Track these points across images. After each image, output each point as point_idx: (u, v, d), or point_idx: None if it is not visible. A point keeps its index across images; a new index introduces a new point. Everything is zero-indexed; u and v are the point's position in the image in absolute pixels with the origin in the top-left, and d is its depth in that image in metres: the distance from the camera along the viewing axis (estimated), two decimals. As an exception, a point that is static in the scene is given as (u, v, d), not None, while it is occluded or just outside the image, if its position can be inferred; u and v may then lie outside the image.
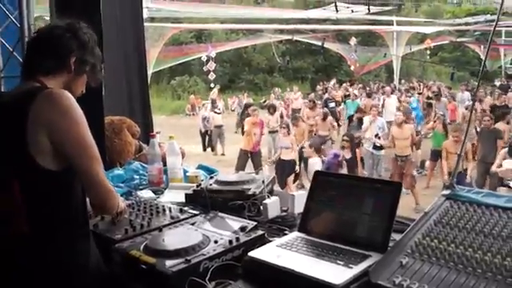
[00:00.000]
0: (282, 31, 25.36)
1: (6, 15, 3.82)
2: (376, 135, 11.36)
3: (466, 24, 26.90)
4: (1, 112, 1.77)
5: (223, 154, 15.72)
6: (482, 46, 30.45)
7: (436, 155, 10.70)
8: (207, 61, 20.53)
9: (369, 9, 18.82)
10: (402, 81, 26.51)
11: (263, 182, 2.53)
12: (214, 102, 18.62)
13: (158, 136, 3.10)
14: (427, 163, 11.68)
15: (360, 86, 23.88)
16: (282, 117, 15.32)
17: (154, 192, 2.72)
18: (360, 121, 12.75)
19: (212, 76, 19.66)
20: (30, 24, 3.70)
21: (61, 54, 1.86)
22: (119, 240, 1.91)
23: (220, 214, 2.13)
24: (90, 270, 1.83)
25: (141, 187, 2.85)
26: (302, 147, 10.98)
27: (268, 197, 2.28)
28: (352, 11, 19.58)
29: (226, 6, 26.69)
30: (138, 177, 2.98)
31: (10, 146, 1.72)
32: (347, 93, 21.18)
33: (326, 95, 20.47)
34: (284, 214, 2.23)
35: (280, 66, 32.13)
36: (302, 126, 12.22)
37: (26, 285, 1.75)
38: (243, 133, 12.32)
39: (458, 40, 30.26)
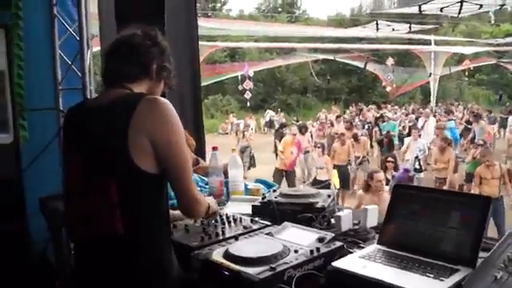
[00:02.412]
0: (315, 50, 25.33)
1: (65, 28, 3.93)
2: (416, 157, 11.23)
3: (507, 44, 26.36)
4: (101, 115, 1.81)
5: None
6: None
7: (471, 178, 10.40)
8: (242, 80, 20.67)
9: (410, 27, 18.67)
10: (439, 103, 26.22)
11: (329, 196, 2.52)
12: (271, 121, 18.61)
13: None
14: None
15: (396, 107, 23.63)
16: (312, 137, 15.27)
17: (217, 204, 2.72)
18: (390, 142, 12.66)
19: (248, 95, 19.74)
20: (89, 37, 3.79)
21: (144, 61, 1.91)
22: (196, 247, 1.91)
23: (292, 224, 2.11)
24: (171, 277, 1.83)
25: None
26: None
27: (341, 210, 2.25)
28: (393, 29, 19.41)
29: (261, 23, 26.83)
30: (199, 188, 2.98)
31: (111, 147, 1.75)
32: (377, 115, 20.94)
33: (359, 117, 20.39)
34: (356, 227, 2.20)
35: (318, 85, 32.12)
36: (347, 144, 12.08)
37: (117, 286, 1.78)
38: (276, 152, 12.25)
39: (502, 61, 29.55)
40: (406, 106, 26.96)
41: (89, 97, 3.71)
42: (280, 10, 41.14)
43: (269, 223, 2.21)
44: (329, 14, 45.74)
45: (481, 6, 12.98)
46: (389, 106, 24.86)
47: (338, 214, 2.19)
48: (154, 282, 1.78)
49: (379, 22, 18.17)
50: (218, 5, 39.65)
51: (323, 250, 1.81)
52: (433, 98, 24.26)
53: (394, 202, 1.93)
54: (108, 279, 1.79)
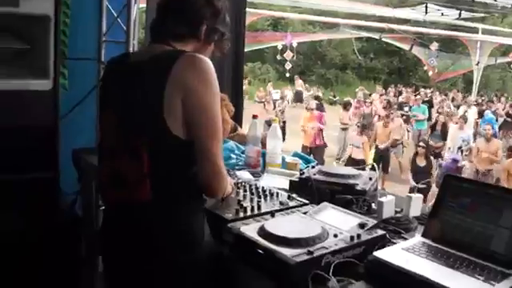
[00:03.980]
0: (360, 28, 24.77)
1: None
2: (459, 147, 10.94)
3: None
4: (138, 70, 1.72)
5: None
6: None
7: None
8: (282, 50, 20.40)
9: (460, 13, 18.10)
10: (480, 93, 25.50)
11: (370, 178, 2.41)
12: (299, 93, 18.32)
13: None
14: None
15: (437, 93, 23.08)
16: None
17: (252, 174, 2.64)
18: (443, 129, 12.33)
19: (288, 65, 19.50)
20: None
21: (193, 21, 1.80)
22: (231, 220, 1.83)
23: (331, 205, 2.01)
24: (203, 248, 1.76)
25: (237, 167, 2.78)
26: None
27: (383, 195, 2.13)
28: (442, 14, 18.84)
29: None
30: (234, 156, 2.91)
31: (145, 106, 1.67)
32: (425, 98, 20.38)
33: (400, 99, 20.00)
34: (398, 215, 2.08)
35: (359, 63, 31.57)
36: (390, 126, 11.84)
37: (143, 254, 1.71)
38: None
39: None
40: (447, 92, 26.29)
41: (131, 51, 3.64)
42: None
43: (306, 201, 2.11)
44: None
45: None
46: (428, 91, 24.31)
47: (381, 199, 2.07)
48: (183, 252, 1.71)
49: (429, 5, 17.57)
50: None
51: (364, 237, 1.70)
52: (475, 87, 23.58)
53: (443, 193, 1.81)
54: (133, 247, 1.73)
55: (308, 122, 11.69)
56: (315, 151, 11.48)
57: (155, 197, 1.67)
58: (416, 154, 9.81)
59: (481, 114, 15.60)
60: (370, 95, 21.26)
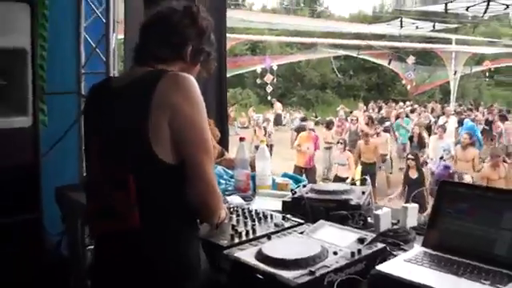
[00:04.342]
0: (336, 46, 25.06)
1: (91, 10, 3.81)
2: (441, 157, 11.03)
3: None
4: (121, 94, 1.67)
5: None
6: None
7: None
8: (262, 73, 20.51)
9: (434, 26, 18.43)
10: (458, 103, 25.83)
11: (363, 192, 2.36)
12: (279, 116, 18.31)
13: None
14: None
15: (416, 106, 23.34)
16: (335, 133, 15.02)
17: (243, 198, 2.58)
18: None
19: (269, 89, 19.57)
20: (116, 20, 3.67)
21: (178, 43, 1.75)
22: (227, 246, 1.76)
23: (328, 223, 1.96)
24: (198, 275, 1.69)
25: (227, 192, 2.72)
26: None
27: (379, 208, 2.10)
28: (417, 27, 19.17)
29: (283, 16, 26.62)
30: (223, 181, 2.86)
31: (130, 136, 1.61)
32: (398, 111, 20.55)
33: (381, 114, 20.17)
34: (395, 227, 2.04)
35: (338, 81, 31.90)
36: (373, 141, 11.89)
37: (138, 285, 1.64)
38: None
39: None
40: (425, 104, 26.59)
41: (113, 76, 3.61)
42: (302, 5, 40.82)
43: (302, 221, 2.06)
44: (351, 12, 45.17)
45: (507, 6, 12.67)
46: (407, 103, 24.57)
47: (377, 212, 2.03)
48: (179, 280, 1.64)
49: (404, 19, 17.89)
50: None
51: (365, 252, 1.66)
52: (453, 97, 23.92)
53: (440, 200, 1.78)
54: (126, 278, 1.65)
55: (305, 142, 11.66)
56: (309, 172, 11.44)
57: (145, 226, 1.60)
58: (408, 167, 9.83)
59: (461, 123, 15.77)
60: (350, 113, 21.40)
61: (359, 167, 11.03)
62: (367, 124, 14.63)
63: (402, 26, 18.14)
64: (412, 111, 19.76)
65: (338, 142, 11.63)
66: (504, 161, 9.04)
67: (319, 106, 32.21)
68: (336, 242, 1.75)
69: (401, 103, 25.07)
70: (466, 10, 13.64)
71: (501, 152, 9.55)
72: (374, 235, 1.83)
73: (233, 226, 1.94)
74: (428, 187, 7.48)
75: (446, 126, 14.75)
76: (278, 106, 25.52)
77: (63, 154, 3.65)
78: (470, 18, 23.36)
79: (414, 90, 26.78)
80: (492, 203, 1.66)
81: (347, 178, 10.46)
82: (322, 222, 1.96)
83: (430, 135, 14.65)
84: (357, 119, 16.86)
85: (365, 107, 22.04)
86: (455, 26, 23.47)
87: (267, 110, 25.71)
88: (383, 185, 12.17)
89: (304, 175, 11.09)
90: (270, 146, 13.50)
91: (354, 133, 15.12)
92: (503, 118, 15.14)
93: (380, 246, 1.73)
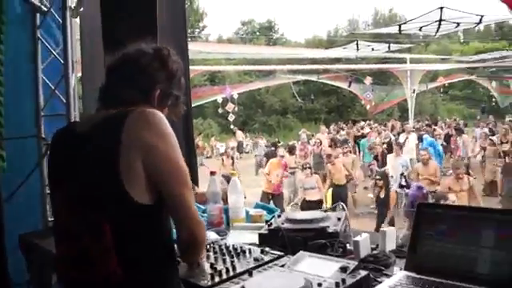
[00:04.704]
0: (294, 72, 25.39)
1: (48, 52, 3.74)
2: (402, 174, 11.21)
3: (483, 61, 27.05)
4: (88, 138, 1.61)
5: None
6: (494, 82, 30.63)
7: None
8: (223, 103, 20.53)
9: (389, 46, 18.93)
10: (416, 119, 26.40)
11: (338, 219, 2.35)
12: (240, 144, 18.29)
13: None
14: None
15: (376, 125, 23.75)
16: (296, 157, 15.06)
17: (218, 233, 2.52)
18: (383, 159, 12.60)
19: (231, 117, 19.59)
20: (74, 60, 3.60)
21: (146, 86, 1.70)
22: (208, 287, 1.71)
23: (308, 253, 1.93)
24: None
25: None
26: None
27: (358, 234, 2.08)
28: (372, 49, 19.64)
29: (240, 45, 26.88)
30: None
31: (102, 180, 1.54)
32: (359, 133, 20.90)
33: (342, 134, 20.45)
34: (375, 252, 2.02)
35: (298, 106, 32.27)
36: (339, 163, 11.95)
37: None
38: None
39: (473, 77, 30.27)
40: (385, 122, 27.10)
41: (76, 121, 3.51)
42: (258, 33, 41.36)
43: (281, 253, 2.02)
44: (306, 37, 46.02)
45: (458, 24, 13.16)
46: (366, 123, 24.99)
47: (356, 238, 2.01)
48: None
49: (359, 42, 18.36)
50: (197, 30, 39.67)
51: (349, 281, 1.63)
52: (411, 114, 24.40)
53: (418, 223, 1.78)
54: None
55: (276, 169, 11.66)
56: (277, 198, 11.41)
57: (124, 271, 1.53)
58: (375, 185, 9.94)
59: (420, 139, 16.08)
60: (312, 136, 21.60)
61: (330, 190, 11.08)
62: (330, 146, 14.78)
63: (358, 49, 18.54)
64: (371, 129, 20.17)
65: (303, 167, 11.64)
66: (467, 173, 9.26)
67: (281, 131, 32.46)
68: (319, 272, 1.71)
69: (362, 122, 25.49)
70: (420, 30, 14.08)
71: (461, 164, 9.79)
72: (356, 262, 1.80)
73: (211, 265, 1.89)
74: (402, 209, 7.63)
75: (405, 142, 15.05)
76: (239, 133, 25.60)
77: (26, 198, 3.52)
78: (422, 37, 24.11)
79: (373, 109, 27.27)
80: (470, 222, 1.67)
81: (317, 200, 10.51)
82: (302, 253, 1.93)
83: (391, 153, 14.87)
84: (320, 142, 17.05)
85: (327, 129, 22.25)
86: (409, 45, 24.14)
87: (229, 138, 25.74)
88: (350, 203, 12.27)
89: (272, 201, 11.11)
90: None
91: (317, 155, 15.24)
92: (459, 132, 15.53)
93: (363, 273, 1.70)
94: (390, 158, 12.41)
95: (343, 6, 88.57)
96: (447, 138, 17.43)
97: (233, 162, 14.17)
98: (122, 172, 1.50)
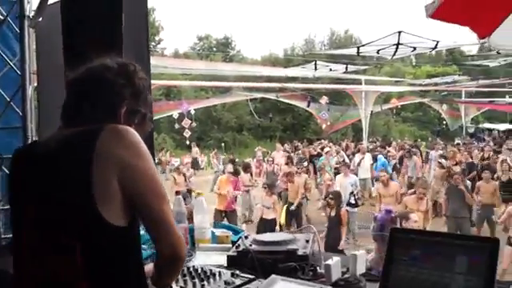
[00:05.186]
0: (251, 89, 25.52)
1: (4, 61, 3.60)
2: (351, 193, 11.39)
3: (435, 84, 28.01)
4: (55, 158, 1.53)
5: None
6: (445, 106, 31.73)
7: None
8: (179, 118, 20.37)
9: (346, 67, 19.33)
10: (369, 139, 26.93)
11: (307, 241, 2.33)
12: (196, 160, 18.08)
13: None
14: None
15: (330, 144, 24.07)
16: (251, 174, 15.04)
17: (183, 254, 2.46)
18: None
19: (187, 133, 19.43)
20: (32, 72, 3.48)
21: (111, 104, 1.62)
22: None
23: (280, 277, 1.89)
24: None
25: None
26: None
27: (329, 258, 2.06)
28: (330, 69, 19.99)
29: (196, 61, 26.79)
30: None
31: (73, 202, 1.46)
32: (315, 152, 21.08)
33: (297, 153, 20.61)
34: (346, 276, 2.01)
35: (253, 123, 32.42)
36: (296, 181, 12.01)
37: None
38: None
39: (426, 100, 31.29)
40: (340, 142, 27.49)
41: (30, 137, 3.38)
42: (215, 49, 41.45)
43: (252, 277, 1.98)
44: (262, 54, 46.37)
45: (414, 48, 13.60)
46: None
47: (328, 262, 1.99)
48: None
49: (318, 62, 18.69)
50: (153, 43, 39.37)
51: (325, 307, 1.60)
52: (365, 135, 24.84)
53: (392, 248, 1.77)
54: None
55: (225, 186, 11.61)
56: (230, 215, 11.35)
57: None
58: (328, 205, 10.01)
59: (375, 159, 16.39)
60: (268, 153, 21.69)
61: (285, 208, 11.13)
62: (287, 164, 14.86)
63: (316, 69, 18.84)
64: (322, 149, 20.43)
65: (263, 186, 11.67)
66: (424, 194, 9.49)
67: (236, 149, 32.45)
68: (293, 298, 1.69)
69: (322, 141, 25.79)
70: (377, 52, 14.44)
71: (426, 185, 10.06)
72: (328, 287, 1.78)
73: (181, 288, 1.83)
74: (372, 232, 7.67)
75: (361, 162, 15.33)
76: (194, 150, 25.44)
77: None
78: (375, 59, 24.75)
79: (328, 128, 27.64)
80: (444, 248, 1.67)
81: (273, 219, 10.55)
82: (274, 277, 1.90)
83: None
84: (273, 160, 17.13)
85: (282, 147, 22.36)
86: (366, 67, 24.70)
87: (184, 154, 25.52)
88: (304, 222, 12.36)
89: (225, 219, 11.05)
90: (189, 191, 13.23)
91: (271, 173, 15.30)
92: (410, 154, 15.94)
93: (338, 299, 1.69)
94: (338, 178, 12.62)
95: (299, 25, 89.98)
96: (401, 159, 17.81)
97: (185, 179, 13.93)
98: (96, 192, 1.43)
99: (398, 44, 12.48)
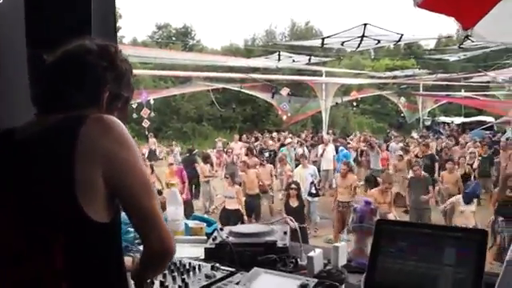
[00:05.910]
0: (211, 79, 25.30)
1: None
2: (312, 183, 11.49)
3: (395, 77, 28.45)
4: (36, 148, 1.41)
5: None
6: (403, 99, 32.32)
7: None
8: (138, 108, 19.98)
9: (309, 59, 19.37)
10: (329, 131, 27.19)
11: (285, 232, 2.29)
12: (153, 151, 17.82)
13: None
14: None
15: (290, 135, 24.17)
16: (212, 165, 14.97)
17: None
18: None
19: (146, 123, 19.07)
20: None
21: (93, 88, 1.52)
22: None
23: (262, 270, 1.85)
24: None
25: (137, 241, 2.50)
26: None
27: (312, 250, 2.02)
28: (293, 61, 20.00)
29: (155, 49, 26.29)
30: (132, 229, 2.62)
31: (53, 195, 1.35)
32: (277, 143, 21.12)
33: (258, 144, 20.64)
34: (329, 267, 1.98)
35: (217, 114, 32.26)
36: (251, 172, 12.01)
37: None
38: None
39: (385, 92, 31.77)
40: (299, 133, 27.63)
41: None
42: (174, 39, 40.89)
43: (232, 269, 1.93)
44: (223, 45, 46.09)
45: (379, 41, 13.73)
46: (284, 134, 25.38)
47: (311, 254, 1.96)
48: None
49: (281, 53, 18.69)
50: (111, 31, 38.40)
51: (312, 300, 1.57)
52: (325, 127, 25.02)
53: (379, 240, 1.75)
54: None
55: (169, 178, 11.56)
56: (184, 206, 11.25)
57: None
58: (288, 195, 10.05)
59: (336, 151, 16.54)
60: (227, 144, 21.63)
61: (243, 199, 11.14)
62: (247, 155, 14.85)
63: (279, 60, 18.83)
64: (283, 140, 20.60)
65: (225, 176, 11.63)
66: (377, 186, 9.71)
67: (196, 139, 32.19)
68: (278, 291, 1.64)
69: (282, 133, 25.87)
70: (342, 44, 14.53)
71: (392, 179, 10.31)
72: (312, 279, 1.75)
73: (161, 283, 1.76)
74: (350, 225, 7.75)
75: (324, 153, 15.47)
76: (152, 140, 25.09)
77: None
78: (335, 51, 24.95)
79: (288, 120, 27.70)
80: (432, 240, 1.66)
81: (236, 209, 10.54)
82: (256, 269, 1.85)
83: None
84: (232, 151, 17.11)
85: (239, 138, 22.32)
86: (327, 59, 24.84)
87: (142, 144, 25.11)
88: (267, 214, 12.41)
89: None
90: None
91: (231, 164, 15.28)
92: (372, 146, 16.13)
93: (324, 291, 1.65)
94: (296, 169, 12.73)
95: (260, 16, 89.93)
96: (362, 151, 18.04)
97: (152, 171, 13.74)
98: (77, 185, 1.34)
99: (362, 36, 12.58)
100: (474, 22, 2.74)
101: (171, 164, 12.67)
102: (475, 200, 9.48)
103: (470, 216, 9.06)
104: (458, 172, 12.11)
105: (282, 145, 18.66)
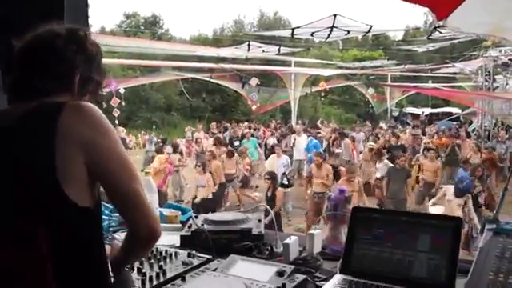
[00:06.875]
0: (180, 69, 25.09)
1: None
2: (284, 173, 11.58)
3: (363, 68, 28.70)
4: (13, 136, 1.38)
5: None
6: (371, 89, 32.66)
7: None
8: (107, 97, 19.67)
9: (279, 49, 19.39)
10: (299, 121, 27.33)
11: (259, 220, 2.31)
12: (123, 140, 17.65)
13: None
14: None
15: (259, 125, 24.22)
16: (181, 154, 14.89)
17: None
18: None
19: (116, 112, 18.80)
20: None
21: (64, 72, 1.49)
22: (141, 295, 1.58)
23: (239, 257, 1.86)
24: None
25: (111, 229, 2.49)
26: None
27: (287, 237, 2.05)
28: (263, 51, 19.99)
29: (124, 38, 25.94)
30: (106, 217, 2.60)
31: (35, 181, 1.33)
32: (246, 131, 21.12)
33: (228, 133, 20.62)
34: (304, 254, 2.01)
35: (185, 103, 32.08)
36: (215, 163, 12.01)
37: None
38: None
39: (354, 83, 32.00)
40: (268, 123, 27.70)
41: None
42: (142, 28, 40.34)
43: (209, 257, 1.94)
44: (191, 34, 45.74)
45: (348, 32, 13.84)
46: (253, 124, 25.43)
47: (286, 241, 1.98)
48: None
49: (251, 43, 18.66)
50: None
51: (289, 286, 1.60)
52: (294, 117, 25.14)
53: (355, 227, 1.78)
54: None
55: (163, 164, 11.64)
56: (161, 195, 11.20)
57: (60, 285, 1.35)
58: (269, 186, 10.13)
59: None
60: (191, 134, 21.56)
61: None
62: (215, 144, 14.82)
63: (249, 50, 18.80)
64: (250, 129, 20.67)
65: (197, 165, 11.61)
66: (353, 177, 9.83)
67: (165, 129, 31.96)
68: (255, 277, 1.66)
69: (246, 123, 25.86)
70: (311, 35, 14.57)
71: (355, 169, 10.54)
72: (290, 266, 1.78)
73: (139, 269, 1.75)
74: (325, 213, 7.77)
75: (295, 143, 15.55)
76: (120, 129, 24.84)
77: None
78: (304, 41, 25.00)
79: (257, 110, 27.72)
80: (407, 227, 1.70)
81: (210, 198, 10.66)
82: (232, 256, 1.86)
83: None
84: (201, 140, 17.08)
85: (204, 127, 22.24)
86: (297, 49, 24.87)
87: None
88: (235, 202, 12.54)
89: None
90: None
91: (200, 153, 15.24)
92: (342, 135, 16.25)
93: (301, 277, 1.69)
94: (270, 158, 12.80)
95: (229, 6, 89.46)
96: (333, 141, 18.16)
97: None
98: (59, 172, 1.32)
99: (332, 27, 12.66)
100: (447, 12, 2.78)
101: (169, 153, 12.82)
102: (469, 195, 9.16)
103: (458, 209, 8.99)
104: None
105: (252, 135, 18.64)
